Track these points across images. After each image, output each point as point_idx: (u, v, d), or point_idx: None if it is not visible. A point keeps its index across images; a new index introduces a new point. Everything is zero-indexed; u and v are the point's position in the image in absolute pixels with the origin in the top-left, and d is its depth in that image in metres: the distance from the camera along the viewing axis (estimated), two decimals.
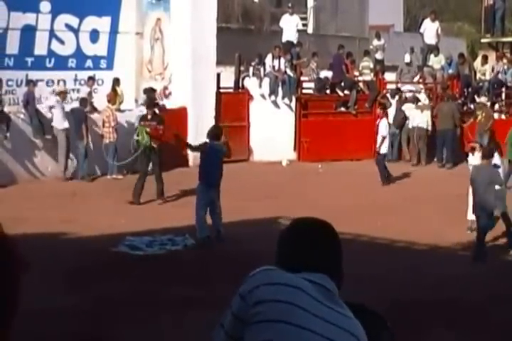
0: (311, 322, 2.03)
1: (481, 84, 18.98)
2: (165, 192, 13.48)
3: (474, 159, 12.02)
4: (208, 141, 10.87)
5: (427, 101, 18.48)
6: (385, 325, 2.35)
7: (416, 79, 19.99)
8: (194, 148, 11.96)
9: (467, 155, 12.76)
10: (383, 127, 15.30)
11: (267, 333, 2.00)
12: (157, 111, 14.43)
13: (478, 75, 19.09)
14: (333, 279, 2.15)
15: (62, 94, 15.39)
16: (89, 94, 16.11)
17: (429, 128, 18.09)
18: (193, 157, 16.93)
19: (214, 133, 10.90)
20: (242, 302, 2.07)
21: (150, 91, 16.67)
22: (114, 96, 16.01)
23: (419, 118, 18.06)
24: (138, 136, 13.39)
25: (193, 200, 12.58)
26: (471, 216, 11.43)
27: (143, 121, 13.53)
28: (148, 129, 13.19)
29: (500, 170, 11.60)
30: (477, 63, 19.39)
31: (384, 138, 15.30)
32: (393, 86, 19.35)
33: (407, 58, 19.97)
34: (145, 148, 13.26)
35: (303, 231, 2.23)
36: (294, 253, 2.19)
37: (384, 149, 15.39)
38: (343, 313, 2.11)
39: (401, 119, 18.16)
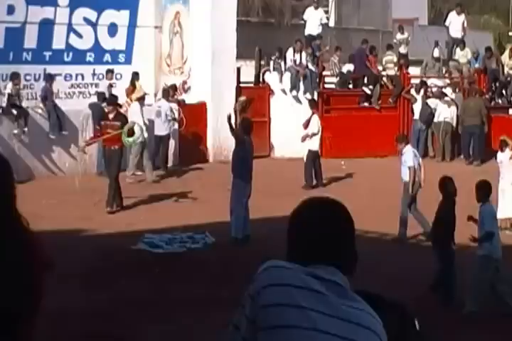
0: (322, 323, 1.99)
1: (509, 78, 18.51)
2: (119, 200, 11.93)
3: (504, 156, 11.66)
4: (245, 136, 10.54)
5: (453, 96, 18.05)
6: (411, 320, 2.25)
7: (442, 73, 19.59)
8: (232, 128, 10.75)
9: (496, 152, 12.38)
10: (315, 123, 14.34)
11: (275, 339, 1.97)
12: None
13: (506, 69, 18.62)
14: (344, 264, 2.09)
15: (142, 100, 14.85)
16: (109, 86, 15.92)
17: (454, 123, 17.72)
18: (213, 153, 16.72)
19: (249, 127, 10.65)
20: (252, 302, 2.04)
21: (135, 75, 16.06)
22: (132, 91, 15.79)
23: (445, 113, 17.65)
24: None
25: (213, 197, 12.39)
26: (500, 214, 11.14)
27: (103, 121, 12.18)
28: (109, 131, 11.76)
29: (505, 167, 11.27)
30: (505, 57, 18.90)
31: (314, 134, 14.24)
32: (417, 80, 18.94)
33: (436, 53, 19.50)
34: (107, 151, 11.96)
35: (308, 214, 2.15)
36: (299, 238, 2.13)
37: (315, 146, 14.31)
38: (357, 307, 2.04)
39: (428, 115, 17.76)
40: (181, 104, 16.50)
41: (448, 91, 18.32)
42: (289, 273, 2.05)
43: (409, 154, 10.69)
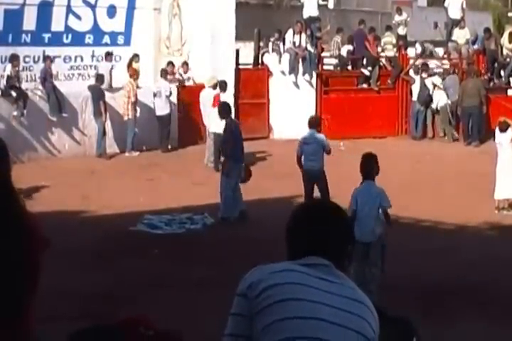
0: (320, 296, 2.11)
1: (508, 59, 18.42)
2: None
3: (504, 137, 11.64)
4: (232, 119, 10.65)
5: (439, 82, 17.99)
6: (412, 333, 2.37)
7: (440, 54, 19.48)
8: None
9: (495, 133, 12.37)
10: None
11: (280, 313, 2.07)
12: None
13: (506, 51, 18.49)
14: (338, 262, 2.20)
15: (215, 87, 14.70)
16: (110, 69, 15.89)
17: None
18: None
19: (228, 109, 10.81)
20: (243, 299, 2.13)
21: (133, 57, 15.96)
22: (134, 72, 15.77)
23: (453, 94, 17.64)
24: None
25: (212, 178, 12.41)
26: (498, 195, 11.18)
27: None
28: None
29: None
30: (503, 40, 18.72)
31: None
32: (417, 62, 18.83)
33: (419, 48, 19.21)
34: None
35: (302, 216, 2.28)
36: (294, 238, 2.26)
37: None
38: (345, 284, 2.18)
39: (426, 96, 17.73)
40: (181, 83, 16.51)
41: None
42: (273, 265, 2.19)
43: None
